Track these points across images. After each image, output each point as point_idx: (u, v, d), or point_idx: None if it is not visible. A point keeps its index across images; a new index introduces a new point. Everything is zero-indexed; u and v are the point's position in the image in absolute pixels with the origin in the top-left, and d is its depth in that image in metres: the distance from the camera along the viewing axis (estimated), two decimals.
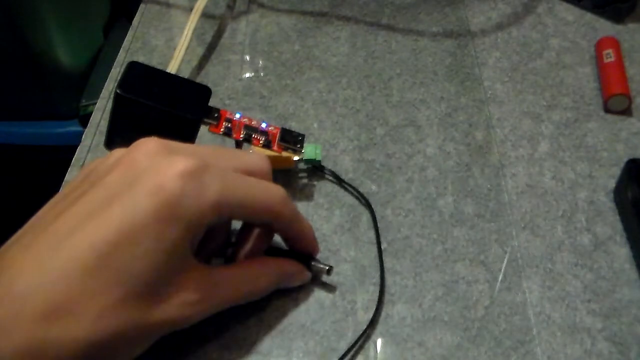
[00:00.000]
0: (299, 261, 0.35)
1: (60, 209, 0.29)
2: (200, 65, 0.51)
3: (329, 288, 0.36)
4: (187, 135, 0.37)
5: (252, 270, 0.33)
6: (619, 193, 0.39)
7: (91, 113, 0.48)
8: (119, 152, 0.30)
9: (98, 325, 0.26)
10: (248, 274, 0.33)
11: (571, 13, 0.53)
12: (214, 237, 0.34)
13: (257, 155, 0.34)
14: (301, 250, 0.35)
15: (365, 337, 0.33)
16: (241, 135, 0.38)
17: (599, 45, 0.49)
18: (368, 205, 0.40)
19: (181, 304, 0.29)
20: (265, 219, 0.33)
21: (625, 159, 0.41)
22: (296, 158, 0.40)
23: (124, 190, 0.28)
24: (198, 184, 0.28)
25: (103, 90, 0.50)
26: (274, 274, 0.34)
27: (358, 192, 0.40)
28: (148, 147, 0.29)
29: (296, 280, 0.35)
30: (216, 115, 0.38)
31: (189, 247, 0.29)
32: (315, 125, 0.45)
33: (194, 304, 0.29)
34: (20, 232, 0.29)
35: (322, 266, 0.35)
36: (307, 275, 0.35)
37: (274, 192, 0.32)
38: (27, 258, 0.27)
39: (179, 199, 0.28)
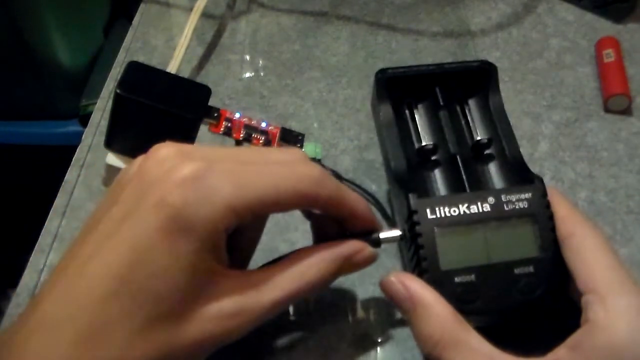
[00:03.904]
0: (361, 239, 0.31)
1: (88, 229, 0.28)
2: (200, 65, 0.51)
3: (329, 287, 0.36)
4: (187, 134, 0.37)
5: (298, 264, 0.29)
6: (374, 107, 0.38)
7: (91, 113, 0.48)
8: (139, 160, 0.29)
9: (128, 351, 0.25)
10: (294, 269, 0.29)
11: (571, 13, 0.53)
12: (246, 235, 0.31)
13: (284, 150, 0.31)
14: (358, 229, 0.31)
15: (366, 336, 0.33)
16: (241, 135, 0.38)
17: (599, 45, 0.49)
18: (375, 200, 0.39)
19: (217, 317, 0.27)
20: (301, 206, 0.30)
21: (625, 159, 0.41)
22: None
23: (134, 208, 0.26)
24: (203, 188, 0.26)
25: (103, 90, 0.50)
26: (327, 262, 0.29)
27: (361, 188, 0.40)
28: (160, 154, 0.28)
29: (360, 261, 0.30)
30: (216, 114, 0.38)
31: (212, 256, 0.27)
32: (315, 125, 0.45)
33: (233, 315, 0.27)
34: (62, 256, 0.28)
35: (392, 235, 0.31)
36: (371, 252, 0.31)
37: (302, 174, 0.29)
38: (58, 285, 0.26)
39: (183, 210, 0.26)
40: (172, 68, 0.47)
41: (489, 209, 0.31)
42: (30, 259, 0.39)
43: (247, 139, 0.38)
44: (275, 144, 0.38)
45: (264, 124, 0.39)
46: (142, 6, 0.58)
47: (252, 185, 0.27)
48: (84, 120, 0.84)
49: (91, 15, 0.94)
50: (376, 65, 0.50)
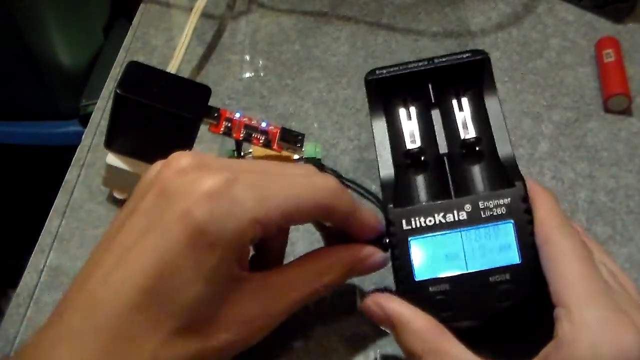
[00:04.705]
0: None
1: (108, 239, 0.28)
2: (200, 65, 0.51)
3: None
4: (187, 134, 0.37)
5: (314, 265, 0.30)
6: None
7: (91, 113, 0.48)
8: (156, 166, 0.29)
9: None
10: (310, 270, 0.30)
11: (571, 13, 0.53)
12: (272, 242, 0.32)
13: (298, 165, 0.31)
14: (367, 239, 0.32)
15: (366, 336, 0.33)
16: (241, 135, 0.38)
17: (599, 45, 0.49)
18: (376, 199, 0.39)
19: (241, 322, 0.27)
20: (318, 217, 0.30)
21: (625, 159, 0.41)
22: (296, 157, 0.40)
23: (156, 219, 0.26)
24: (228, 201, 0.26)
25: (103, 90, 0.50)
26: (341, 263, 0.30)
27: (361, 188, 0.40)
28: (180, 163, 0.27)
29: (372, 265, 0.31)
30: (216, 114, 0.38)
31: (236, 266, 0.27)
32: (315, 125, 0.45)
33: (255, 319, 0.28)
34: (85, 263, 0.28)
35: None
36: (383, 257, 0.31)
37: (321, 187, 0.29)
38: (82, 295, 0.26)
39: (209, 224, 0.26)
40: (172, 68, 0.47)
41: (465, 217, 0.31)
42: (30, 259, 0.39)
43: (247, 139, 0.38)
44: (275, 144, 0.38)
45: (264, 124, 0.39)
46: (142, 6, 0.58)
47: (275, 197, 0.28)
48: (84, 120, 0.84)
49: (91, 15, 0.94)
50: (376, 65, 0.49)
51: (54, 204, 0.42)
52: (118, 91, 0.35)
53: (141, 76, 0.37)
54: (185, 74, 0.50)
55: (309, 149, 0.40)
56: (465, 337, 0.28)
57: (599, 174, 0.41)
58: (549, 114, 0.45)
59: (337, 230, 0.32)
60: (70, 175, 0.44)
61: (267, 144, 0.38)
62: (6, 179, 0.96)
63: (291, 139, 0.39)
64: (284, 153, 0.39)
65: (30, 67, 0.86)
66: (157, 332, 0.25)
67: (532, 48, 0.50)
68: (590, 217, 0.39)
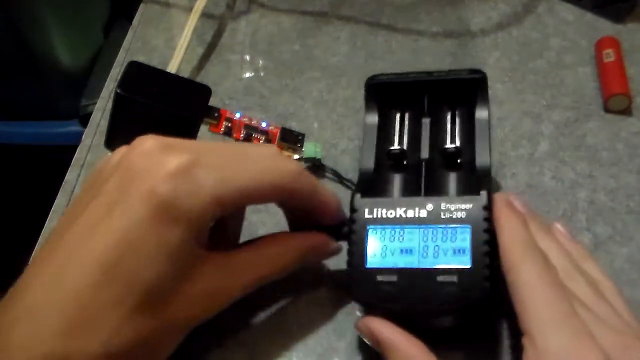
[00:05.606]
0: (329, 233, 0.33)
1: (71, 219, 0.28)
2: (200, 65, 0.51)
3: (329, 286, 0.36)
4: (187, 134, 0.37)
5: (272, 248, 0.32)
6: None
7: (91, 113, 0.48)
8: (120, 151, 0.30)
9: (116, 337, 0.26)
10: (267, 253, 0.32)
11: (571, 13, 0.53)
12: (231, 221, 0.33)
13: (262, 145, 0.32)
14: (329, 223, 0.33)
15: None
16: (241, 135, 0.38)
17: (599, 45, 0.49)
18: None
19: (199, 298, 0.28)
20: (279, 198, 0.31)
21: (625, 159, 0.41)
22: (296, 157, 0.40)
23: (120, 198, 0.27)
24: (191, 180, 0.28)
25: (103, 90, 0.50)
26: (296, 249, 0.32)
27: None
28: (144, 146, 0.29)
29: (325, 253, 0.33)
30: (216, 114, 0.38)
31: (196, 243, 0.28)
32: (315, 125, 0.45)
33: (213, 294, 0.29)
34: (42, 245, 0.29)
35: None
36: (336, 246, 0.33)
37: (283, 169, 0.31)
38: (44, 273, 0.27)
39: (173, 201, 0.27)
40: (172, 68, 0.47)
41: (425, 215, 0.31)
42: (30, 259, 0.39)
43: (247, 139, 0.38)
44: (276, 144, 0.39)
45: (264, 124, 0.39)
46: (142, 6, 0.58)
47: (236, 178, 0.29)
48: (84, 120, 0.84)
49: (91, 15, 0.94)
50: (376, 65, 0.50)
51: (54, 204, 0.42)
52: (118, 91, 0.35)
53: (141, 76, 0.37)
54: (185, 74, 0.50)
55: (309, 149, 0.40)
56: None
57: (599, 174, 0.41)
58: (549, 114, 0.45)
59: (301, 213, 0.33)
60: (70, 175, 0.44)
61: None
62: (6, 179, 0.96)
63: (291, 139, 0.39)
64: (284, 153, 0.39)
65: (30, 67, 0.86)
66: (119, 308, 0.26)
67: (532, 48, 0.50)
68: (590, 217, 0.39)
